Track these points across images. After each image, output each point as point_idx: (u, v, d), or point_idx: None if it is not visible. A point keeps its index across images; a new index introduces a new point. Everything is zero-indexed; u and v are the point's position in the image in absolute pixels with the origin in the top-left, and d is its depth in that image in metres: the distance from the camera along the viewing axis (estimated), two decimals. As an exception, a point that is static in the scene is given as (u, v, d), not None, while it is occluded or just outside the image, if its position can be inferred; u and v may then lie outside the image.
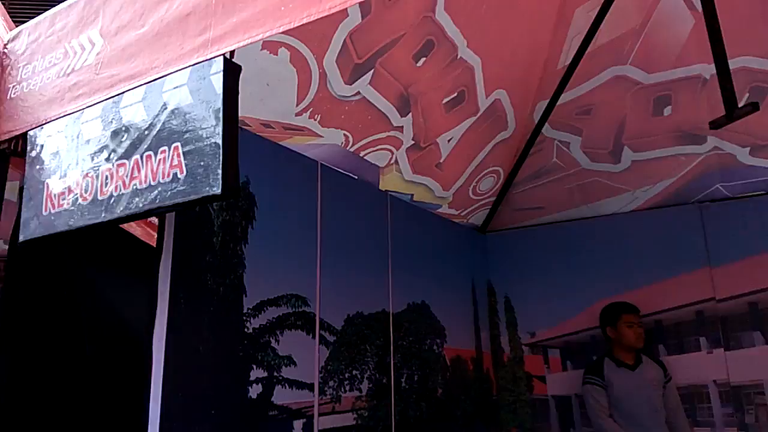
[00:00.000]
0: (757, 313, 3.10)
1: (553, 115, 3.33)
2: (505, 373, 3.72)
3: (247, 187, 2.07)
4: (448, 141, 3.07)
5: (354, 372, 2.46)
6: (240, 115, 2.15)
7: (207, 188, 1.05)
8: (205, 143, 1.07)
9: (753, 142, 3.07)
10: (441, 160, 3.13)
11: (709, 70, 2.79)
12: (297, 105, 2.25)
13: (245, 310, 1.97)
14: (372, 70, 2.40)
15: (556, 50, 3.03)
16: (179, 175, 1.09)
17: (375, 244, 2.80)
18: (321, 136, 2.45)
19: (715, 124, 2.15)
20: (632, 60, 2.97)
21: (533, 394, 3.62)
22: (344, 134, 2.53)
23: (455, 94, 2.85)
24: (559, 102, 3.24)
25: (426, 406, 2.90)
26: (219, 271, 1.90)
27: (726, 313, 3.15)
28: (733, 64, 2.69)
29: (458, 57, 2.67)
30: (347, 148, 2.63)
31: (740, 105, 2.06)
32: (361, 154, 2.73)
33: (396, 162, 2.93)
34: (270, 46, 2.01)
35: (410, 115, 2.73)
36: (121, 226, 2.67)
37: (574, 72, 3.08)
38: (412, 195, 3.21)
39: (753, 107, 1.99)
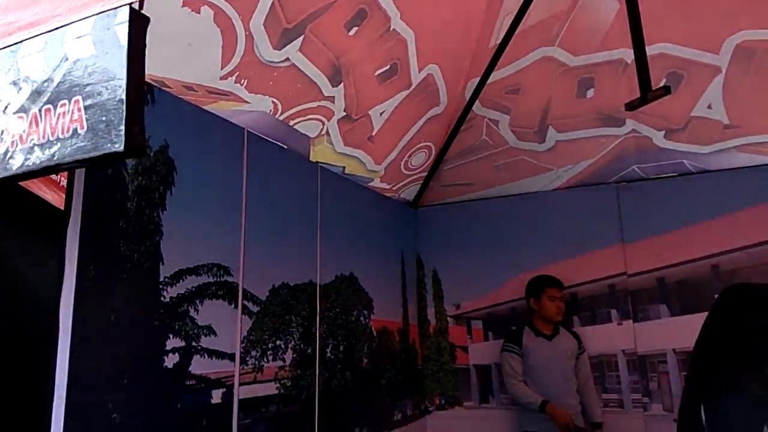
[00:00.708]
0: (664, 287, 3.32)
1: (484, 93, 3.39)
2: (430, 343, 3.82)
3: (166, 151, 1.99)
4: (381, 114, 3.06)
5: (278, 342, 2.45)
6: (160, 75, 2.07)
7: (109, 145, 0.99)
8: (108, 98, 1.01)
9: (667, 126, 3.24)
10: (373, 133, 3.12)
11: (630, 54, 2.87)
12: (222, 68, 2.17)
13: (162, 279, 1.91)
14: (302, 37, 2.34)
15: (488, 28, 3.07)
16: (80, 131, 1.03)
17: (304, 215, 2.77)
18: (248, 102, 2.38)
19: (630, 106, 2.25)
20: (559, 42, 3.06)
21: (456, 363, 3.75)
22: (273, 101, 2.47)
23: (388, 67, 2.84)
24: (490, 80, 3.30)
25: (351, 375, 2.94)
26: (133, 237, 1.83)
27: (636, 287, 3.35)
28: (652, 50, 2.83)
29: (391, 28, 2.65)
30: (276, 116, 2.57)
31: (654, 88, 2.16)
32: (290, 123, 2.68)
33: (327, 133, 2.90)
34: (192, 3, 1.92)
35: (342, 85, 2.70)
36: (32, 191, 2.51)
37: (504, 51, 3.13)
38: (344, 167, 3.19)
39: (665, 90, 2.10)
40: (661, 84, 3.00)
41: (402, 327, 3.59)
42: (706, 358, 1.80)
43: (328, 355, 2.79)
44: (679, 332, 3.17)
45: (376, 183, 3.50)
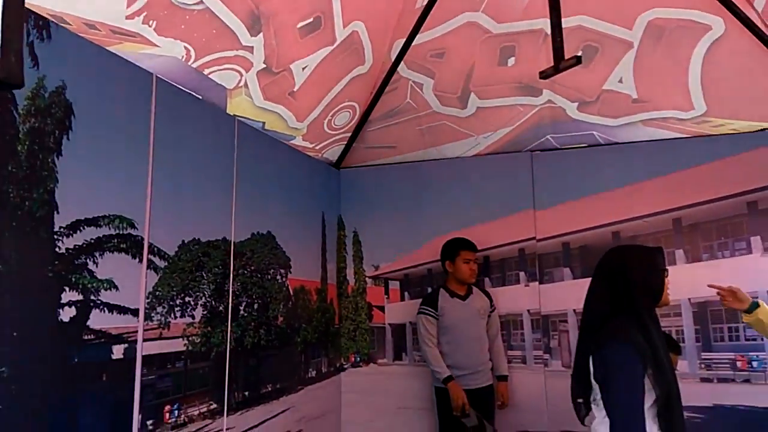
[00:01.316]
0: (568, 251, 3.51)
1: (409, 55, 3.38)
2: (348, 303, 3.86)
3: (62, 92, 1.85)
4: (303, 69, 2.98)
5: (187, 299, 2.39)
6: (57, 10, 1.91)
7: (-22, 73, 0.90)
8: (-22, 21, 0.91)
9: (581, 98, 3.37)
10: (295, 89, 3.04)
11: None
12: (128, 7, 2.03)
13: (57, 229, 1.80)
14: (217, -21, 2.22)
15: (415, -12, 3.04)
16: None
17: (218, 170, 2.68)
18: (157, 46, 2.24)
19: (544, 74, 2.32)
20: (484, 8, 3.08)
21: (372, 322, 3.82)
22: (185, 47, 2.34)
23: (311, 20, 2.76)
24: (415, 42, 3.29)
25: (265, 333, 2.93)
26: (24, 183, 1.70)
27: (543, 251, 3.52)
28: (570, 21, 2.92)
29: (315, -21, 2.57)
30: (189, 63, 2.45)
31: (567, 58, 2.22)
32: (205, 72, 2.56)
33: (245, 85, 2.79)
34: (92, -69, 1.76)
35: (261, 35, 2.60)
36: None
37: (430, 13, 3.12)
38: (264, 123, 3.10)
39: (576, 60, 2.17)
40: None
41: (320, 287, 3.60)
42: (594, 313, 1.92)
43: (242, 312, 2.76)
44: (579, 294, 3.33)
45: (298, 141, 3.44)
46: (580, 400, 1.93)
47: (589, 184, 3.49)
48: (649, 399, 1.78)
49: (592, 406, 1.90)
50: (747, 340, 3.14)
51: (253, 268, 2.88)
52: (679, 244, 3.28)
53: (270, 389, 2.96)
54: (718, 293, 2.30)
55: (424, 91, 3.55)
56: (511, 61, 3.29)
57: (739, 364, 3.15)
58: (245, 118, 2.94)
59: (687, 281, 3.20)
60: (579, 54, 2.30)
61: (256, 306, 2.88)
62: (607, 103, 3.33)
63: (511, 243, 3.61)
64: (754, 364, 3.12)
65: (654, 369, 1.78)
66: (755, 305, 2.18)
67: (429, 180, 3.81)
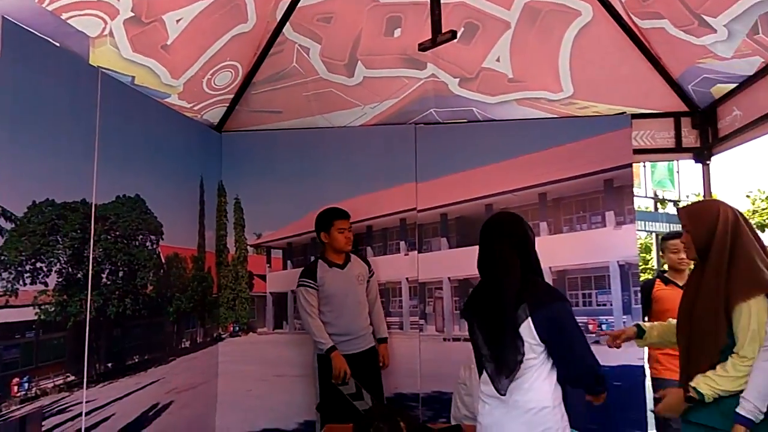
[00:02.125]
0: (446, 222, 3.65)
1: (295, 17, 3.29)
2: (227, 271, 3.76)
3: None
4: (177, 21, 2.79)
5: (38, 264, 2.19)
6: None
7: None
8: None
9: (462, 74, 3.48)
10: (168, 42, 2.85)
11: (434, -2, 3.02)
12: (-40, -70, 1.77)
13: None
14: None
15: (301, -54, 2.95)
16: None
17: (78, 125, 2.46)
18: (0, -19, 1.99)
19: (423, 47, 2.35)
20: (371, -26, 3.06)
21: (253, 291, 3.76)
22: (35, -15, 2.10)
23: (186, -31, 2.58)
24: (301, 4, 3.20)
25: (132, 303, 2.77)
26: None
27: (423, 221, 3.63)
28: (452, -3, 2.98)
29: (189, -76, 2.39)
30: (42, 5, 2.20)
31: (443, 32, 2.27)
32: (62, 17, 2.31)
33: (110, 34, 2.57)
34: None
35: (128, -20, 2.39)
36: None
37: (316, -26, 3.05)
38: (133, 77, 2.88)
39: (452, 35, 2.22)
40: (460, 33, 3.21)
41: (197, 254, 3.46)
42: (513, 279, 1.94)
43: (104, 280, 2.58)
44: (454, 262, 3.54)
45: (174, 100, 3.24)
46: (519, 358, 1.89)
47: (468, 158, 3.63)
48: None
49: (523, 367, 1.89)
50: (598, 305, 3.47)
51: (118, 233, 2.70)
52: (544, 217, 3.52)
53: (137, 360, 2.82)
54: (611, 346, 2.45)
55: (310, 55, 3.48)
56: (398, 32, 3.31)
57: (591, 327, 3.47)
58: (111, 70, 2.71)
59: (549, 251, 3.44)
60: (456, 30, 2.36)
61: (121, 274, 2.71)
62: (486, 81, 3.46)
63: (393, 213, 3.68)
64: (604, 327, 3.45)
65: None
66: (642, 332, 2.32)
67: (315, 148, 3.76)
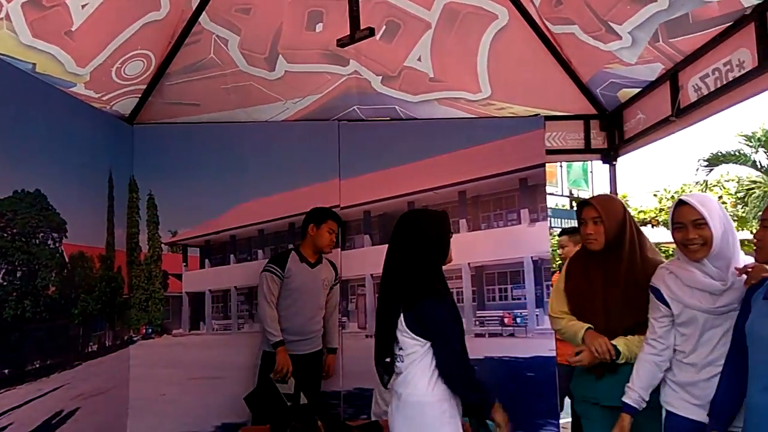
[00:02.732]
0: (369, 219, 3.66)
1: (212, 6, 3.18)
2: (140, 271, 3.59)
3: None
4: (83, 7, 2.62)
5: None
6: None
7: None
8: None
9: (384, 72, 3.49)
10: (72, 28, 2.67)
11: (356, -5, 3.01)
12: None
13: None
14: None
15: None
16: None
17: (-34, 114, 2.26)
18: None
19: (341, 43, 2.34)
20: (292, -33, 3.01)
21: (168, 291, 3.60)
22: None
23: (91, -50, 2.43)
24: (219, -7, 3.10)
25: (31, 304, 2.58)
26: None
27: (346, 218, 3.62)
28: (373, -6, 2.98)
29: None
30: None
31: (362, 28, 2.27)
32: (-53, -6, 2.11)
33: (7, 18, 2.38)
34: None
35: (24, -41, 2.22)
36: None
37: (235, -36, 2.96)
38: (34, 65, 2.68)
39: (370, 32, 2.22)
40: (381, 31, 3.23)
41: (105, 253, 3.27)
42: (396, 274, 2.02)
43: (0, 281, 2.39)
44: (377, 260, 3.51)
45: (80, 89, 3.04)
46: (387, 360, 2.01)
47: (391, 156, 3.65)
48: None
49: (397, 364, 1.99)
50: (513, 299, 3.60)
51: (15, 230, 2.50)
52: (463, 214, 3.61)
53: (38, 366, 2.64)
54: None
55: (229, 47, 3.38)
56: (319, 27, 3.28)
57: (506, 320, 3.59)
58: (8, 56, 2.51)
59: (468, 248, 3.55)
60: (375, 27, 2.37)
61: (19, 274, 2.52)
62: (408, 80, 3.50)
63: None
64: (518, 320, 3.59)
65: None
66: (618, 353, 2.23)
67: (235, 143, 3.66)
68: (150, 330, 3.56)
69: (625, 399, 2.09)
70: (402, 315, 1.95)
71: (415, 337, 1.94)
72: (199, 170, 3.62)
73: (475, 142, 3.60)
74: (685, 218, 1.95)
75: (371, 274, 3.59)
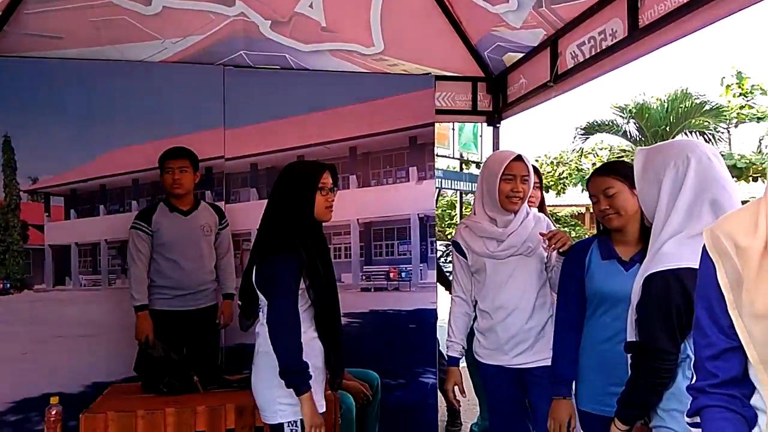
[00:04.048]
0: (256, 172, 3.53)
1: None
2: (-6, 221, 3.22)
3: None
4: None
5: None
6: None
7: None
8: None
9: (274, 16, 3.33)
10: None
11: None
12: None
13: None
14: None
15: None
16: None
17: None
18: None
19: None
20: None
21: (28, 244, 3.28)
22: None
23: None
24: None
25: None
26: None
27: (231, 170, 3.47)
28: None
29: None
30: None
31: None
32: None
33: None
34: None
35: None
36: None
37: None
38: None
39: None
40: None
41: (-51, 200, 2.90)
42: (264, 226, 2.05)
43: None
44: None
45: None
46: (239, 303, 2.11)
47: (280, 106, 3.51)
48: (305, 304, 1.96)
49: (260, 314, 2.02)
50: (399, 255, 3.68)
51: None
52: (353, 170, 3.60)
53: None
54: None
55: (99, -25, 3.04)
56: (203, -39, 3.04)
57: (391, 275, 3.68)
58: None
59: (358, 204, 3.57)
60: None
61: None
62: (299, 27, 3.37)
63: (199, 160, 3.44)
64: (403, 274, 3.69)
65: (310, 279, 1.95)
66: None
67: (107, 83, 3.32)
68: (8, 285, 3.23)
69: (449, 352, 2.35)
70: (254, 268, 1.99)
71: (258, 291, 1.98)
72: (64, 112, 3.27)
73: (367, 97, 3.57)
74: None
75: (257, 229, 3.48)
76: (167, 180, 2.98)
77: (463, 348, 2.35)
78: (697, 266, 1.07)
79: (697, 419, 1.05)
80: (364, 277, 3.64)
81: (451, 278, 2.48)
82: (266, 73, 3.54)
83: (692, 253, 1.37)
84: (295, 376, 1.88)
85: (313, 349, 1.99)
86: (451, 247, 2.44)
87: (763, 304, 0.87)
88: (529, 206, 2.57)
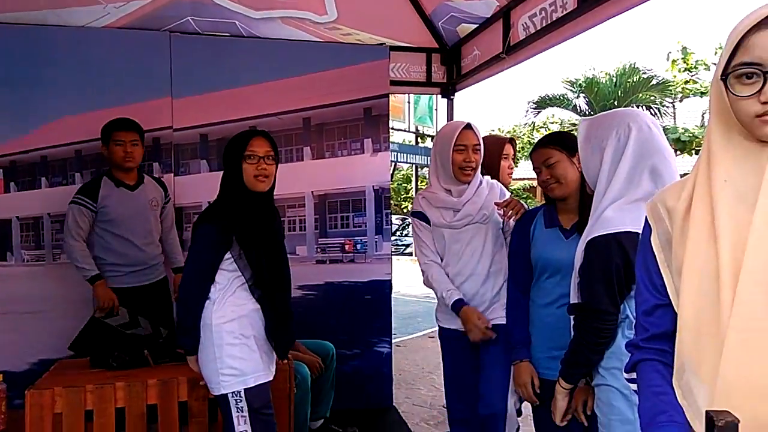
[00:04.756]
0: (206, 143, 3.45)
1: None
2: (-76, 195, 3.04)
3: None
4: None
5: None
6: None
7: None
8: None
9: (222, -19, 3.21)
10: None
11: None
12: None
13: None
14: None
15: None
16: None
17: None
18: None
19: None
20: None
21: (-37, 218, 3.12)
22: None
23: None
24: None
25: None
26: None
27: (180, 141, 3.37)
28: None
29: None
30: None
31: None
32: None
33: None
34: None
35: None
36: None
37: None
38: None
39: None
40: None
41: None
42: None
43: None
44: (214, 186, 3.35)
45: None
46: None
47: (230, 76, 3.42)
48: (234, 274, 1.96)
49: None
50: (355, 227, 3.69)
51: None
52: (307, 142, 3.56)
53: None
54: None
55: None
56: None
57: (347, 247, 3.69)
58: None
59: (312, 176, 3.54)
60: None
61: None
62: (247, -7, 3.26)
63: (144, 131, 3.33)
64: (358, 246, 3.70)
65: (244, 249, 1.94)
66: None
67: (46, 49, 3.15)
68: (-58, 261, 3.08)
69: (453, 299, 2.26)
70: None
71: None
72: (1, 80, 3.09)
73: (320, 67, 3.52)
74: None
75: (208, 201, 3.40)
76: (118, 153, 2.86)
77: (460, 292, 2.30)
78: (636, 230, 1.12)
79: (634, 375, 1.11)
80: (319, 250, 3.64)
81: (416, 250, 2.45)
82: (215, 40, 3.44)
83: (632, 218, 1.44)
84: (181, 335, 2.02)
85: (253, 321, 2.00)
86: (411, 218, 2.43)
87: (684, 260, 0.93)
88: (507, 180, 2.66)
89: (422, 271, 2.39)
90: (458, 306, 2.25)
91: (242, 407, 1.97)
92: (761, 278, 0.84)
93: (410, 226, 2.46)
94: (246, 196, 2.00)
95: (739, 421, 0.74)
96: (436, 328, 2.54)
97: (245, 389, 1.97)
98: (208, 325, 1.96)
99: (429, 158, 2.82)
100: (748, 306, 0.84)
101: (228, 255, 1.96)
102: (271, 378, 2.05)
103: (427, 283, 2.37)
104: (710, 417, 0.75)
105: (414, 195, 18.29)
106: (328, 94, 3.54)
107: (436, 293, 2.35)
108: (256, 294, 2.00)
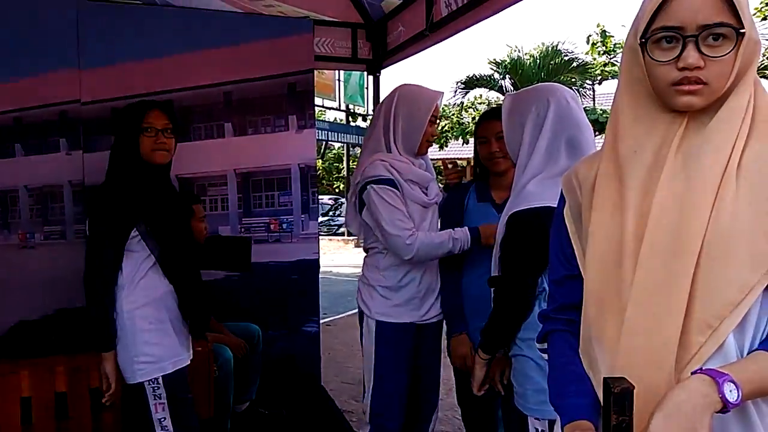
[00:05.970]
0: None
1: None
2: None
3: None
4: None
5: None
6: None
7: None
8: None
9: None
10: None
11: None
12: None
13: None
14: None
15: None
16: None
17: None
18: None
19: None
20: None
21: None
22: None
23: None
24: None
25: None
26: None
27: (89, 116, 3.15)
28: None
29: None
30: None
31: None
32: None
33: None
34: None
35: None
36: None
37: None
38: None
39: None
40: None
41: None
42: None
43: None
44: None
45: None
46: None
47: (145, 46, 3.21)
48: (145, 253, 1.86)
49: None
50: (280, 206, 3.61)
51: None
52: (228, 118, 3.42)
53: None
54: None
55: None
56: None
57: (272, 226, 3.61)
58: None
59: (234, 153, 3.42)
60: None
61: None
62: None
63: (49, 105, 3.09)
64: (284, 226, 3.63)
65: (149, 226, 1.85)
66: None
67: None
68: None
69: (460, 235, 1.98)
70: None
71: None
72: None
73: (242, 40, 3.37)
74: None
75: (123, 180, 3.23)
76: None
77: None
78: (555, 205, 1.15)
79: (546, 345, 1.14)
80: (243, 230, 3.54)
81: (383, 222, 1.99)
82: (128, 8, 3.22)
83: (553, 194, 1.47)
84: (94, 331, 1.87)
85: (168, 303, 1.92)
86: (375, 186, 1.98)
87: (588, 230, 0.95)
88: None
89: (405, 245, 1.94)
90: (476, 233, 1.94)
91: (160, 394, 1.89)
92: (662, 248, 0.85)
93: (368, 195, 2.01)
94: (144, 168, 1.90)
95: (634, 387, 0.76)
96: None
97: (163, 375, 1.89)
98: (119, 312, 1.87)
99: (361, 138, 2.77)
100: (649, 276, 0.85)
101: (134, 233, 1.85)
102: (188, 362, 1.98)
103: (422, 252, 1.96)
104: (607, 383, 0.77)
105: (345, 175, 18.20)
106: (250, 68, 3.41)
107: (441, 249, 1.95)
108: (168, 272, 1.91)
